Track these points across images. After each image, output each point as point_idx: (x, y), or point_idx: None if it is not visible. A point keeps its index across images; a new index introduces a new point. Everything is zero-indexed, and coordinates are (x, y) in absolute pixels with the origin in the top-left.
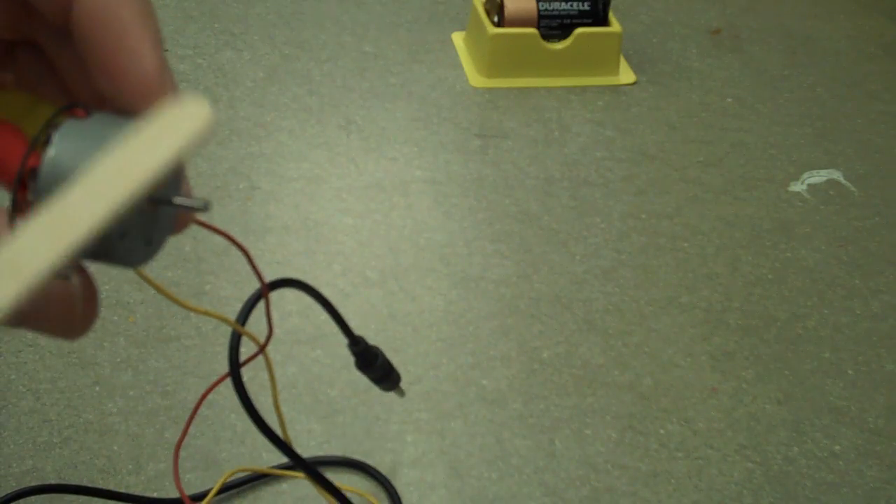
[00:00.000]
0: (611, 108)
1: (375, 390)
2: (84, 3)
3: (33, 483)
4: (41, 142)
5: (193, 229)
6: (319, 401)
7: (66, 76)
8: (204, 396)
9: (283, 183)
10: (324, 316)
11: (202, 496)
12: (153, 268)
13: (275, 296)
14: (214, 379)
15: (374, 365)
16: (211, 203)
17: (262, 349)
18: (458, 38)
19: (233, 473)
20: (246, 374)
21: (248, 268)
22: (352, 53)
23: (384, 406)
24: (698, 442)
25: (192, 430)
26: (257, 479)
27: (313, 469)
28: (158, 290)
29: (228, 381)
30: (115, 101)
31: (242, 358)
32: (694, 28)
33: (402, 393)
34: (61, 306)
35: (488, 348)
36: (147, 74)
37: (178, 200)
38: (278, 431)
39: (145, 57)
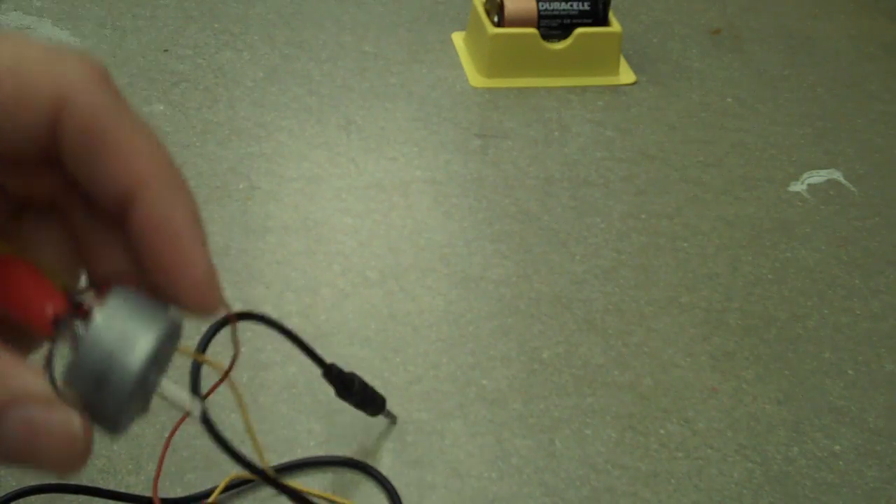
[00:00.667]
0: (611, 108)
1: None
2: (144, 204)
3: (33, 483)
4: (81, 301)
5: None
6: (319, 401)
7: (86, 245)
8: (171, 436)
9: (283, 183)
10: (324, 316)
11: (204, 496)
12: None
13: (274, 295)
14: (215, 379)
15: (352, 390)
16: (204, 409)
17: (225, 375)
18: (458, 38)
19: (234, 477)
20: (243, 374)
21: (248, 268)
22: (352, 53)
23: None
24: (698, 442)
25: (192, 430)
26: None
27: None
28: None
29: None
30: (164, 291)
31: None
32: (694, 28)
33: (393, 418)
34: (62, 442)
35: (488, 348)
36: (198, 275)
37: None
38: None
39: (198, 261)
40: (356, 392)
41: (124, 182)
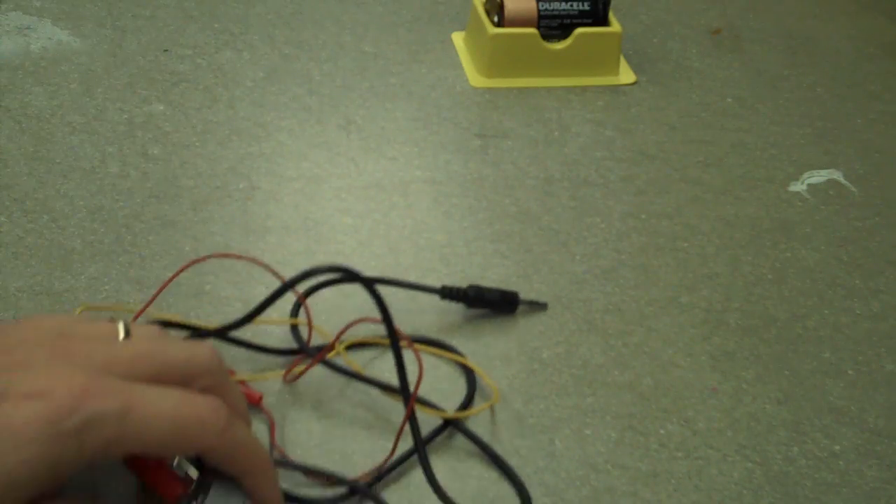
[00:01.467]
0: (611, 108)
1: (374, 392)
2: (252, 483)
3: None
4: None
5: (192, 226)
6: (320, 401)
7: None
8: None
9: (283, 183)
10: (324, 317)
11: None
12: (153, 268)
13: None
14: None
15: (485, 299)
16: None
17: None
18: (458, 38)
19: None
20: (244, 375)
21: (248, 268)
22: (352, 53)
23: (384, 406)
24: (698, 442)
25: None
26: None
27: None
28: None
29: None
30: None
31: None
32: (694, 28)
33: (542, 306)
34: None
35: (488, 348)
36: (273, 500)
37: None
38: None
39: (273, 495)
40: (482, 299)
41: (239, 473)
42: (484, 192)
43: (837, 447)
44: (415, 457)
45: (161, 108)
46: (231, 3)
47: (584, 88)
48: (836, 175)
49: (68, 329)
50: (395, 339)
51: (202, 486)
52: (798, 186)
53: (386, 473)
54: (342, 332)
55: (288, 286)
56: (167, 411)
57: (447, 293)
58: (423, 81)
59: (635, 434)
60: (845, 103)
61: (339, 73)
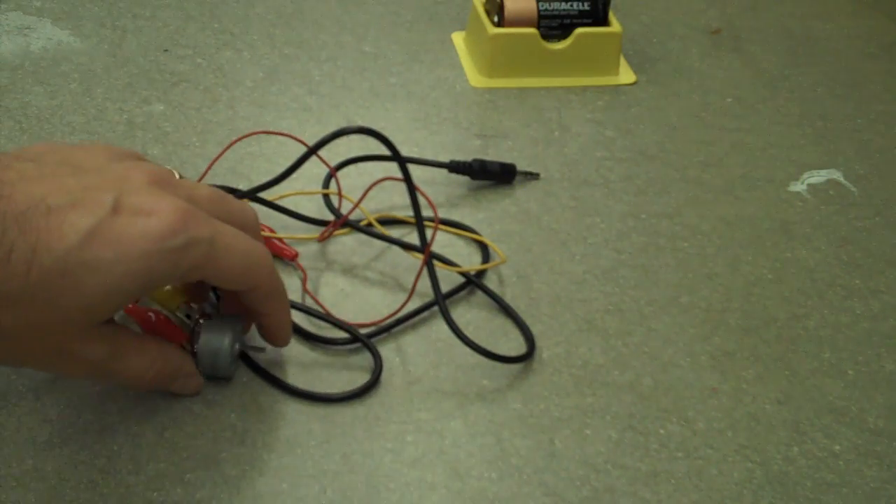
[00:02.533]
0: (611, 108)
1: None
2: (268, 320)
3: (33, 483)
4: (196, 325)
5: None
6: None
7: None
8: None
9: (284, 183)
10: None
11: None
12: None
13: None
14: (213, 378)
15: (478, 171)
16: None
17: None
18: (458, 38)
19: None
20: (243, 375)
21: None
22: (352, 53)
23: (384, 406)
24: (698, 442)
25: (191, 429)
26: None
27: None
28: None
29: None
30: (262, 332)
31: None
32: (694, 28)
33: (534, 175)
34: (195, 388)
35: (488, 348)
36: (283, 339)
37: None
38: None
39: (284, 332)
40: (485, 171)
41: (266, 311)
42: (484, 192)
43: (837, 447)
44: (430, 310)
45: (161, 108)
46: (231, 3)
47: (584, 88)
48: (836, 175)
49: (139, 158)
50: (412, 190)
51: (194, 331)
52: (798, 186)
53: (396, 325)
54: (369, 189)
55: (315, 148)
56: (242, 246)
57: (454, 167)
58: (423, 81)
59: (635, 434)
60: (845, 103)
61: (339, 73)
